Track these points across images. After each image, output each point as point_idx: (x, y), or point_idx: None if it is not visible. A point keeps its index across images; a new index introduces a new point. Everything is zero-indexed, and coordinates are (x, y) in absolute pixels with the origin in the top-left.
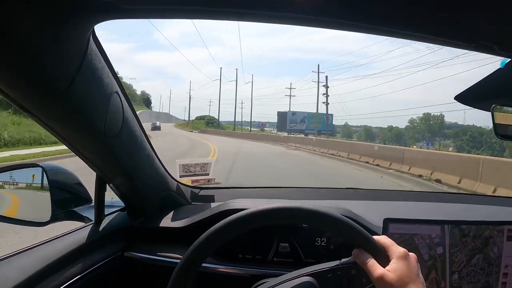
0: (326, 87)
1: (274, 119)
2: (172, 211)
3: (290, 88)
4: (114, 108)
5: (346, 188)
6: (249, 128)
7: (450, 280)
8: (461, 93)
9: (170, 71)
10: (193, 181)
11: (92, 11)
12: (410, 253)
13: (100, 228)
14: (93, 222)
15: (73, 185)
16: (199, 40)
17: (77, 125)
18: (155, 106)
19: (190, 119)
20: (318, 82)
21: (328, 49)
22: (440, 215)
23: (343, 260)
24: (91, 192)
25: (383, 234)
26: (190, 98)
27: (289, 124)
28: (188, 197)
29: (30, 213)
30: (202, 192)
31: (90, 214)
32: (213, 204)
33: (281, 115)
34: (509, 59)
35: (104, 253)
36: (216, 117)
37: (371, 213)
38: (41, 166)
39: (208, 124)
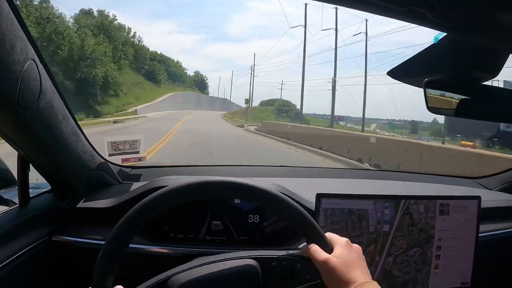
0: None
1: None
2: (101, 191)
3: None
4: (29, 77)
5: (280, 166)
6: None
7: (384, 260)
8: (393, 68)
9: (241, 63)
10: (123, 160)
11: None
12: (353, 244)
13: (25, 211)
14: (17, 205)
15: None
16: (267, 32)
17: None
18: (214, 92)
19: (252, 104)
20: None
21: None
22: (375, 192)
23: (291, 251)
24: (16, 173)
25: (316, 209)
26: (253, 68)
27: None
28: (119, 176)
29: None
30: (134, 171)
31: (15, 197)
32: (142, 183)
33: None
34: (444, 34)
35: (29, 238)
36: (293, 103)
37: (305, 189)
38: None
39: (281, 112)
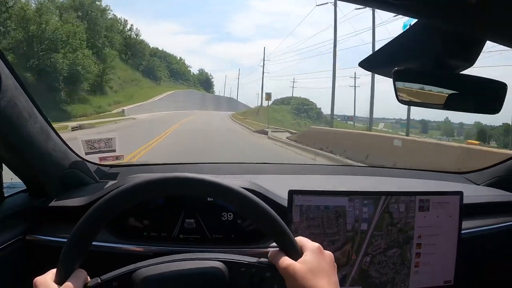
0: None
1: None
2: (76, 190)
3: None
4: None
5: (261, 163)
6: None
7: (361, 260)
8: (364, 59)
9: (246, 63)
10: (101, 159)
11: None
12: (326, 251)
13: None
14: None
15: None
16: (272, 31)
17: None
18: (220, 91)
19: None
20: None
21: None
22: (352, 188)
23: (261, 259)
24: None
25: (288, 206)
26: (264, 61)
27: None
28: (96, 175)
29: None
30: (111, 170)
31: None
32: (113, 182)
33: None
34: (413, 20)
35: (3, 237)
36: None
37: (284, 186)
38: None
39: (300, 112)
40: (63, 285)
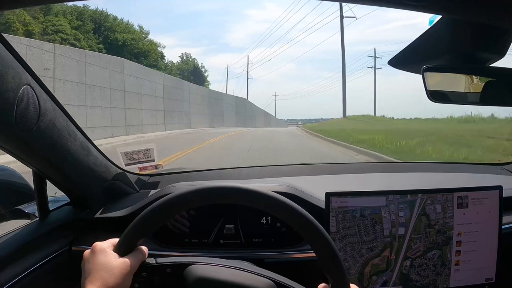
0: None
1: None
2: (119, 201)
3: None
4: (25, 101)
5: (297, 165)
6: None
7: (401, 264)
8: (393, 57)
9: (243, 73)
10: (140, 169)
11: None
12: None
13: (45, 224)
14: (37, 218)
15: (16, 183)
16: (265, 40)
17: None
18: (218, 86)
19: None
20: None
21: None
22: (390, 186)
23: None
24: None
25: (325, 208)
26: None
27: None
28: (136, 185)
29: None
30: (152, 179)
31: (36, 211)
32: (155, 190)
33: None
34: (438, 16)
35: (49, 249)
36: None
37: (322, 188)
38: None
39: None
40: (123, 258)
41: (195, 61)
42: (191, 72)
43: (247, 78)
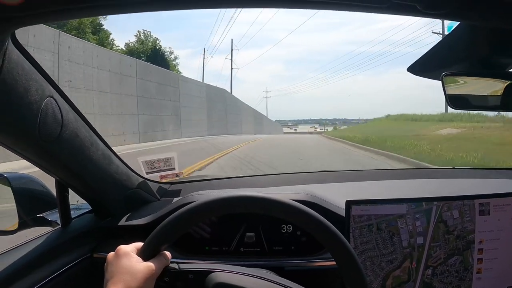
0: None
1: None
2: (140, 209)
3: None
4: (48, 113)
5: (319, 172)
6: None
7: (423, 274)
8: (412, 64)
9: (228, 74)
10: (161, 177)
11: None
12: None
13: (67, 231)
14: (60, 226)
15: (39, 191)
16: (253, 42)
17: (7, 131)
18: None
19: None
20: None
21: None
22: (411, 193)
23: None
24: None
25: (346, 217)
26: None
27: None
28: (157, 193)
29: None
30: (172, 187)
31: (59, 219)
32: (177, 199)
33: None
34: (457, 22)
35: (71, 256)
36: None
37: (343, 195)
38: (3, 176)
39: None
40: (146, 262)
41: (157, 41)
42: (149, 56)
43: (231, 67)
